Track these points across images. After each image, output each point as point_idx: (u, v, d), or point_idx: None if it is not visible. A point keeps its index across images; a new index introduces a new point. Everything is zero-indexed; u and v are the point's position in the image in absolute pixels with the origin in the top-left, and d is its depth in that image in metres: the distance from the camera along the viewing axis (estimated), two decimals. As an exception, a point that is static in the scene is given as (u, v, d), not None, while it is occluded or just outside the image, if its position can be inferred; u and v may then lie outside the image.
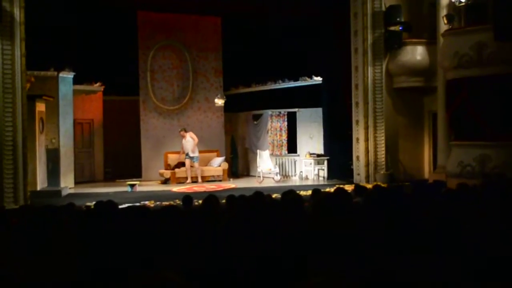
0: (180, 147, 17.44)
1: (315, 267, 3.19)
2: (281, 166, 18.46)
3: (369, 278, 2.63)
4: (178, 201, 10.91)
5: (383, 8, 15.25)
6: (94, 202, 7.17)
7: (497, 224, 4.52)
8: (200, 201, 6.49)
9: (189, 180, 17.05)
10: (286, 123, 18.85)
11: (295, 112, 18.64)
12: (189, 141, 17.27)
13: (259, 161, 17.49)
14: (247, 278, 3.26)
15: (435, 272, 3.30)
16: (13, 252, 3.94)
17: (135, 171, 18.18)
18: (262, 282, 3.19)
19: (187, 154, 17.18)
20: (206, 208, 5.91)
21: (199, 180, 17.14)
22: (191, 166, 17.19)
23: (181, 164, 17.66)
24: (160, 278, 2.15)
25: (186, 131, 17.47)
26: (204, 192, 14.04)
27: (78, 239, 4.19)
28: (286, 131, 18.83)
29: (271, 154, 18.42)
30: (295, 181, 17.66)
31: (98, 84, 18.50)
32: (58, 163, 15.95)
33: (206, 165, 17.98)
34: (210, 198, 6.24)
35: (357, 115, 15.68)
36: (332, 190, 8.60)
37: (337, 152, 16.92)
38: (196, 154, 17.28)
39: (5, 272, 2.82)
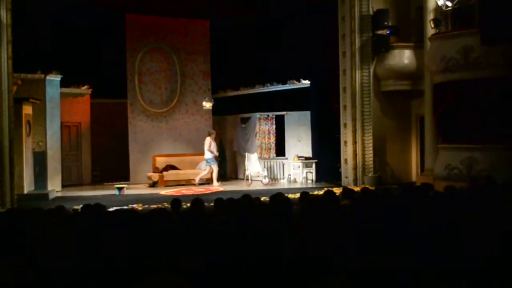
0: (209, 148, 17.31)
1: (308, 269, 3.19)
2: (269, 169, 18.47)
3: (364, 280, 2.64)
4: (166, 204, 10.88)
5: (371, 12, 15.33)
6: (81, 205, 7.13)
7: (484, 226, 4.55)
8: (189, 204, 6.49)
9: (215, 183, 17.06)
10: (274, 126, 18.85)
11: (283, 115, 18.66)
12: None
13: (247, 164, 17.48)
14: (235, 280, 3.27)
15: (422, 272, 3.32)
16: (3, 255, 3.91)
17: (123, 174, 18.12)
18: (251, 283, 3.19)
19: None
20: (193, 211, 5.91)
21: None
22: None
23: (169, 167, 17.64)
24: (170, 283, 2.14)
25: None
26: (193, 195, 14.01)
27: (67, 241, 4.17)
28: (274, 134, 18.83)
29: (259, 157, 18.41)
30: (283, 184, 17.65)
31: (85, 87, 18.43)
32: (45, 166, 15.85)
33: (194, 168, 17.95)
34: (196, 201, 6.24)
35: (345, 118, 15.73)
36: (320, 193, 8.63)
37: (325, 155, 16.97)
38: None
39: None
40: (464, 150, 12.74)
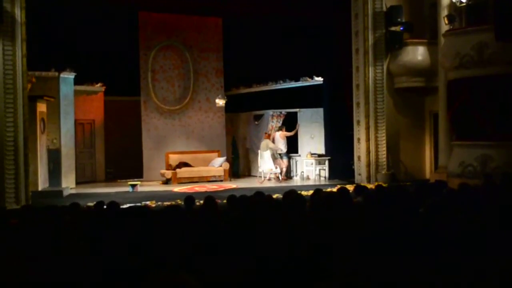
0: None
1: (319, 268, 3.19)
2: (282, 166, 18.44)
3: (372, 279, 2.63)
4: (179, 201, 10.91)
5: (384, 9, 15.26)
6: (95, 202, 7.17)
7: (497, 224, 4.52)
8: (202, 202, 6.50)
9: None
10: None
11: (296, 113, 18.64)
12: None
13: (260, 161, 17.48)
14: (249, 279, 3.27)
15: (435, 271, 3.31)
16: (18, 252, 3.94)
17: (136, 171, 18.19)
18: (265, 283, 3.19)
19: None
20: (205, 209, 5.92)
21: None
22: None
23: (182, 165, 17.68)
24: (177, 280, 2.15)
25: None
26: (205, 192, 14.05)
27: (81, 239, 4.20)
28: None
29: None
30: (296, 181, 17.65)
31: (99, 84, 18.52)
32: (59, 164, 15.97)
33: (207, 165, 17.99)
34: (208, 199, 6.24)
35: (358, 115, 15.68)
36: (334, 190, 8.60)
37: (338, 152, 16.93)
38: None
39: (12, 272, 2.83)
40: (478, 147, 12.65)
